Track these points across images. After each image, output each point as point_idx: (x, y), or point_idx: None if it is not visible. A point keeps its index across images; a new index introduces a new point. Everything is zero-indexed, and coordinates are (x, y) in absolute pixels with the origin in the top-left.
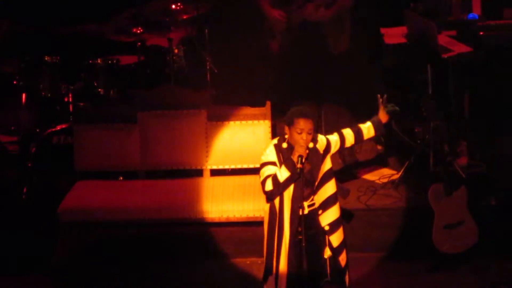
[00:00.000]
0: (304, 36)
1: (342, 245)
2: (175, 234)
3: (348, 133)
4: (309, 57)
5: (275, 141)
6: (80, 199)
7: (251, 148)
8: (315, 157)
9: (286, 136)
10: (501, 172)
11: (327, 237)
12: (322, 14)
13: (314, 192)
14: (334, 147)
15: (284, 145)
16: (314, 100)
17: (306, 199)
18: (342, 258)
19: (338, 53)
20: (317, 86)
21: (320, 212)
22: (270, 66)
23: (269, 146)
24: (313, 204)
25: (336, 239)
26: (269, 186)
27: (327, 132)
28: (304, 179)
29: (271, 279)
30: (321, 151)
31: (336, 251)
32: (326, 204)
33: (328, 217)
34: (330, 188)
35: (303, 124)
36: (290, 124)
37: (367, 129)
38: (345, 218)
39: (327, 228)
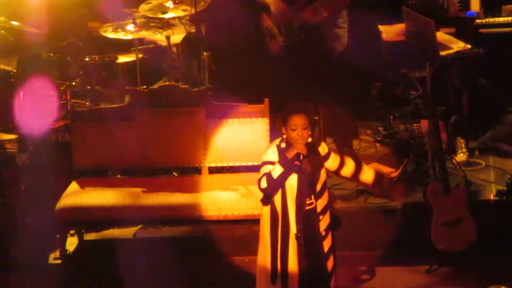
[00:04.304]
0: (306, 39)
1: (331, 250)
2: (173, 232)
3: (350, 162)
4: (311, 59)
5: (277, 141)
6: (78, 197)
7: (249, 146)
8: (316, 157)
9: (284, 137)
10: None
11: (322, 242)
12: (321, 17)
13: (318, 196)
14: (331, 163)
15: (283, 145)
16: (312, 101)
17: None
18: (330, 263)
19: (338, 53)
20: (316, 87)
21: (321, 217)
22: (269, 67)
23: (271, 146)
24: (311, 204)
25: (326, 244)
26: (263, 183)
27: (326, 132)
28: (307, 178)
29: (278, 280)
30: (322, 154)
31: (325, 257)
32: (325, 210)
33: (325, 222)
34: (327, 193)
35: (296, 120)
36: (285, 123)
37: (367, 172)
38: (333, 223)
39: (323, 233)
